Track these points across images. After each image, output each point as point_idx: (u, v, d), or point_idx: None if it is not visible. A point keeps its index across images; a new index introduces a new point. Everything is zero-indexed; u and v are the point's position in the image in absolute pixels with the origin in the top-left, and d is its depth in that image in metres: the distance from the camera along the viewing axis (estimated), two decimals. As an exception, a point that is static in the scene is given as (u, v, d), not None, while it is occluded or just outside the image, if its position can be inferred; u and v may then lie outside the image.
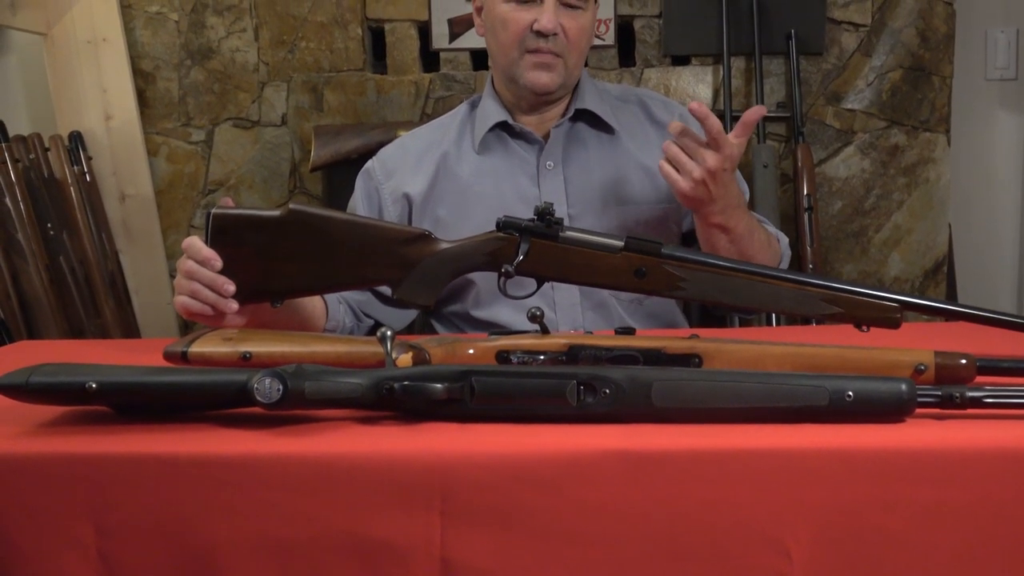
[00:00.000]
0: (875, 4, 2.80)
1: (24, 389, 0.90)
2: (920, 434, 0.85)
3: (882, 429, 0.86)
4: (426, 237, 1.25)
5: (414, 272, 1.25)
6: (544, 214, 1.22)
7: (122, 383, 0.91)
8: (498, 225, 1.24)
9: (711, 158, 1.37)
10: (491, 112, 1.63)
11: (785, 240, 1.69)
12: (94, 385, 0.89)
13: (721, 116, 2.76)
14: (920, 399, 0.88)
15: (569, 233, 1.22)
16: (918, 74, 2.82)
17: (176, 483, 0.84)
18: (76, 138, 2.82)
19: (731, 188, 1.42)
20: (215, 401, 0.93)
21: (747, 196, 1.70)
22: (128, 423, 0.92)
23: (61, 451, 0.87)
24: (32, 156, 2.66)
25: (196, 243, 1.23)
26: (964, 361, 0.99)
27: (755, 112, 1.39)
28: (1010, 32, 2.95)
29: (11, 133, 2.59)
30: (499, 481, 0.83)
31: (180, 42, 2.94)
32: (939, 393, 0.88)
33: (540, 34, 1.53)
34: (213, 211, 1.23)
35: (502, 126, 1.62)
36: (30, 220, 2.54)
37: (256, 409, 0.89)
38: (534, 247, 1.22)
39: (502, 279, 1.24)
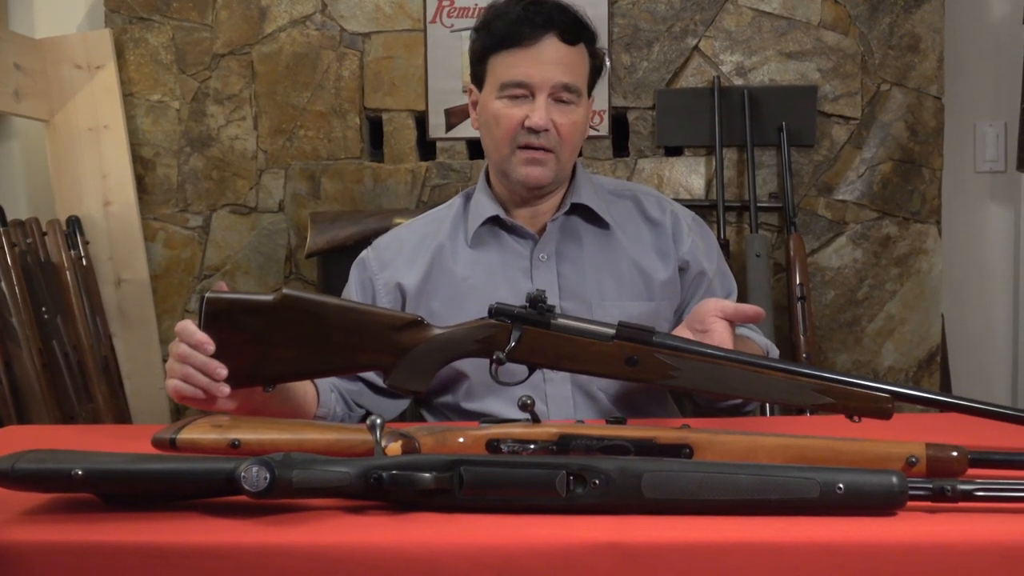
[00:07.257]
0: (865, 98, 2.85)
1: (9, 476, 0.89)
2: (911, 528, 0.85)
3: (873, 522, 0.85)
4: (419, 323, 1.26)
5: (406, 358, 1.25)
6: (536, 301, 1.22)
7: (108, 471, 0.90)
8: (490, 312, 1.24)
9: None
10: (484, 206, 1.63)
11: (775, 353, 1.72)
12: (80, 472, 0.89)
13: (713, 207, 2.80)
14: (911, 492, 0.87)
15: (561, 320, 1.23)
16: (908, 166, 2.86)
17: (161, 573, 0.83)
18: (74, 223, 2.84)
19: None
20: (202, 489, 0.92)
21: (735, 292, 1.71)
22: (113, 511, 0.91)
23: (45, 539, 0.86)
24: (29, 240, 2.68)
25: (189, 327, 1.23)
26: (956, 454, 0.98)
27: (752, 312, 1.40)
28: (998, 125, 3.00)
29: (10, 218, 2.61)
30: (487, 575, 0.82)
31: (180, 130, 2.98)
32: (930, 486, 0.88)
33: (532, 130, 1.54)
34: (207, 295, 1.24)
35: (495, 220, 1.63)
36: (25, 304, 2.54)
37: (243, 498, 0.88)
38: (526, 334, 1.23)
39: (494, 366, 1.24)
